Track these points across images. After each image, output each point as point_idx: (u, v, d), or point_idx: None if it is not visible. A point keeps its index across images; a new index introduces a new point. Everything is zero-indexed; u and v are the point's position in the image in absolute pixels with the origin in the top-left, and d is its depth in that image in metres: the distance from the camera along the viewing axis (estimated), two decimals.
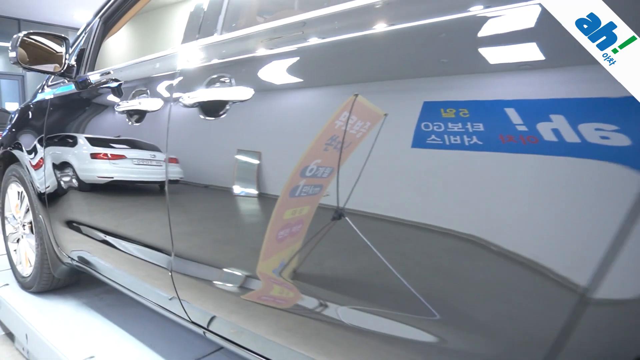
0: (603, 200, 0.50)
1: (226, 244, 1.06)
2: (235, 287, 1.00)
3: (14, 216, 2.16)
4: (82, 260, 1.70)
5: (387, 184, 0.69)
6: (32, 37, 1.63)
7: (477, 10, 0.61)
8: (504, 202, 0.58)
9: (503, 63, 0.59)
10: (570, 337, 0.53)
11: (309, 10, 0.90)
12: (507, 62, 0.59)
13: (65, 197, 1.66)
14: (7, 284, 2.14)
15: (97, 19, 1.71)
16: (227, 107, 0.97)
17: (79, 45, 1.75)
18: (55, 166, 1.69)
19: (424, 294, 0.67)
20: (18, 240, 2.16)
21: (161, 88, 1.20)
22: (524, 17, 0.57)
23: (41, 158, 1.77)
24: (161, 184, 1.16)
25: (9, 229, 2.22)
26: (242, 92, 0.95)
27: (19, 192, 2.08)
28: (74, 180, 1.59)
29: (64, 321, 1.77)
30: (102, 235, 1.49)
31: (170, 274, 1.18)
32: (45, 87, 1.96)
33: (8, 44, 1.62)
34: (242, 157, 0.96)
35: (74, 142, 1.60)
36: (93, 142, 1.52)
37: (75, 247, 1.70)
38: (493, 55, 0.60)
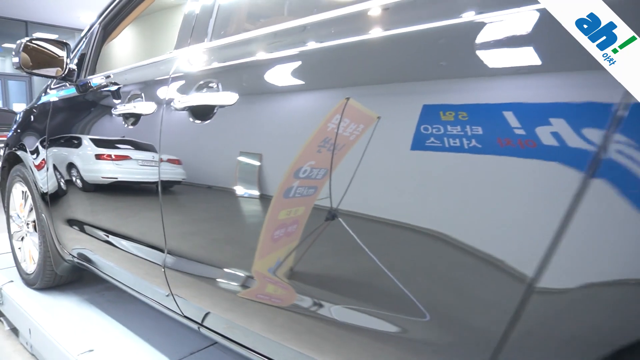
0: (549, 199, 0.54)
1: (218, 243, 1.11)
2: (227, 283, 1.04)
3: (18, 215, 2.23)
4: (82, 257, 1.76)
5: (380, 186, 0.71)
6: (34, 42, 1.69)
7: (471, 16, 0.63)
8: (477, 202, 0.61)
9: (490, 68, 0.61)
10: (518, 324, 0.58)
11: (296, 17, 0.95)
12: (495, 66, 0.60)
13: (67, 197, 1.72)
14: (12, 281, 2.20)
15: (97, 24, 1.77)
16: (215, 111, 1.02)
17: (80, 50, 1.81)
18: (56, 167, 1.76)
19: (408, 292, 0.69)
20: (22, 239, 2.22)
21: (155, 92, 1.25)
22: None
23: (43, 159, 1.83)
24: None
25: (13, 227, 2.29)
26: (229, 97, 1.00)
27: (23, 192, 2.14)
28: (75, 181, 1.65)
29: (65, 316, 1.84)
30: (100, 233, 1.55)
31: (163, 270, 1.23)
32: (48, 90, 2.02)
33: (20, 40, 1.68)
34: (231, 159, 1.00)
35: (75, 144, 1.65)
36: (94, 143, 1.57)
37: (75, 244, 1.77)
38: (479, 60, 0.62)
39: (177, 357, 1.51)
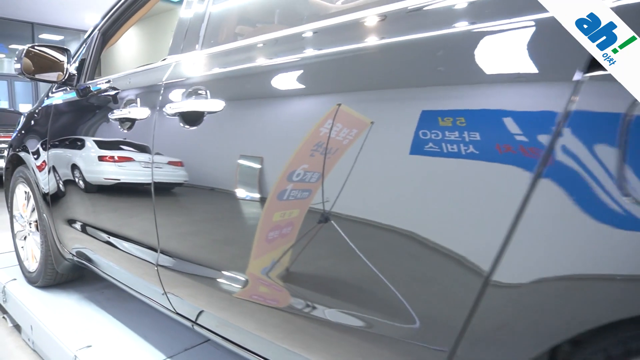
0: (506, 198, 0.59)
1: (209, 243, 1.15)
2: (219, 283, 1.09)
3: (21, 215, 2.29)
4: (81, 255, 1.82)
5: (373, 189, 0.74)
6: (36, 48, 1.75)
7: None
8: (431, 203, 0.66)
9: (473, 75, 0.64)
10: (475, 315, 0.62)
11: (287, 26, 0.99)
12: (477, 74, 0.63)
13: (66, 198, 1.78)
14: (15, 279, 2.26)
15: (96, 30, 1.83)
16: (204, 117, 1.07)
17: (80, 55, 1.87)
18: (57, 168, 1.81)
19: (393, 291, 0.72)
20: (25, 238, 2.28)
21: (149, 98, 1.31)
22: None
23: (44, 160, 1.89)
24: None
25: (17, 227, 2.35)
26: (218, 104, 1.04)
27: (25, 192, 2.20)
28: (74, 182, 1.70)
29: (66, 313, 1.89)
30: (98, 232, 1.61)
31: (156, 268, 1.28)
32: (50, 93, 2.08)
33: (23, 46, 1.75)
34: (223, 163, 1.05)
35: (75, 146, 1.71)
36: (95, 146, 1.62)
37: (74, 243, 1.82)
38: (461, 68, 0.65)
39: (171, 353, 1.56)
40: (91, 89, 1.71)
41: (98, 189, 1.61)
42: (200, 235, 1.18)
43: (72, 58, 1.84)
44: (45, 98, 2.11)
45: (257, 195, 0.94)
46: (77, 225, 1.74)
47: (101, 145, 1.58)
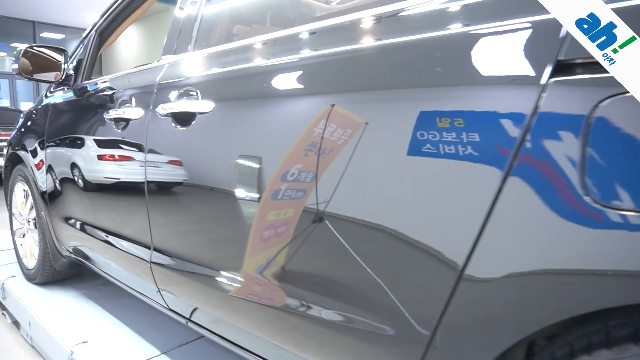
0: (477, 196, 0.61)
1: (203, 242, 1.17)
2: (211, 281, 1.11)
3: (20, 213, 2.32)
4: (77, 252, 1.85)
5: (366, 189, 0.75)
6: (34, 49, 1.78)
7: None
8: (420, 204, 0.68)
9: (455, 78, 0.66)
10: (449, 309, 0.65)
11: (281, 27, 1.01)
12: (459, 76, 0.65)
13: (63, 196, 1.81)
14: (14, 276, 2.29)
15: (93, 31, 1.85)
16: (196, 117, 1.09)
17: (77, 56, 1.89)
18: (54, 167, 1.84)
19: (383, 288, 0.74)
20: (24, 235, 2.32)
21: (143, 98, 1.33)
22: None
23: (41, 159, 1.92)
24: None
25: (15, 224, 2.38)
26: (209, 105, 1.07)
27: (24, 191, 2.23)
28: (71, 180, 1.73)
29: (63, 310, 1.92)
30: (93, 230, 1.64)
31: (149, 265, 1.31)
32: (48, 93, 2.11)
33: (24, 45, 1.78)
34: (217, 163, 1.07)
35: (72, 145, 1.73)
36: (92, 145, 1.65)
37: (71, 241, 1.85)
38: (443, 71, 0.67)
39: (166, 349, 1.58)
40: (88, 88, 1.74)
41: (93, 188, 1.63)
42: (193, 234, 1.20)
43: (70, 58, 1.87)
44: (44, 97, 2.13)
45: (249, 195, 0.96)
46: (73, 223, 1.77)
47: (97, 144, 1.61)
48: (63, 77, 1.79)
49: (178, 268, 1.21)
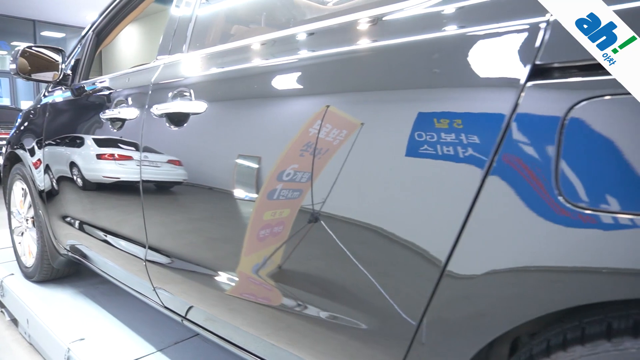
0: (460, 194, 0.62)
1: (197, 239, 1.18)
2: (206, 278, 1.12)
3: (18, 211, 2.34)
4: (74, 251, 1.87)
5: (354, 189, 0.76)
6: (32, 49, 1.79)
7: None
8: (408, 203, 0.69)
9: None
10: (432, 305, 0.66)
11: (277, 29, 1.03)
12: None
13: (60, 195, 1.82)
14: (13, 274, 2.31)
15: (90, 31, 1.87)
16: (190, 118, 1.11)
17: (75, 56, 1.91)
18: (51, 166, 1.86)
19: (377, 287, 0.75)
20: (22, 234, 2.33)
21: (138, 98, 1.35)
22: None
23: (39, 159, 1.94)
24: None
25: (14, 223, 2.40)
26: (202, 106, 1.08)
27: (23, 189, 2.25)
28: (68, 179, 1.75)
29: (61, 308, 1.94)
30: (89, 228, 1.65)
31: (144, 263, 1.32)
32: (46, 92, 2.12)
33: (24, 44, 1.79)
34: (209, 162, 1.09)
35: (70, 144, 1.75)
36: (91, 144, 1.66)
37: (68, 239, 1.87)
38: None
39: (162, 346, 1.60)
40: (85, 88, 1.76)
41: (89, 187, 1.65)
42: (188, 232, 1.21)
43: (67, 58, 1.88)
44: (42, 97, 2.15)
45: (243, 195, 0.97)
46: (70, 221, 1.79)
47: (94, 144, 1.62)
48: (61, 77, 1.81)
49: (172, 266, 1.23)
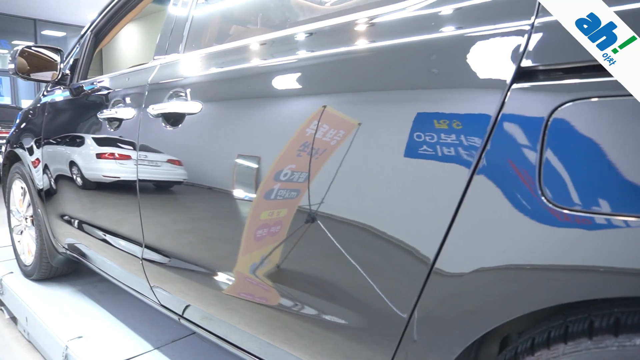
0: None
1: (193, 238, 1.19)
2: (202, 276, 1.13)
3: (18, 210, 2.35)
4: (72, 249, 1.88)
5: (354, 189, 0.76)
6: (31, 49, 1.80)
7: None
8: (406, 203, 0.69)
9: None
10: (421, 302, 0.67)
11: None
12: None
13: (59, 193, 1.83)
14: (12, 272, 2.33)
15: (88, 32, 1.88)
16: (185, 118, 1.12)
17: (73, 56, 1.92)
18: (50, 165, 1.87)
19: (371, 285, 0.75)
20: (21, 232, 2.34)
21: (135, 98, 1.36)
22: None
23: (38, 158, 1.95)
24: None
25: (13, 221, 2.41)
26: (198, 106, 1.09)
27: (22, 188, 2.26)
28: (66, 178, 1.76)
29: (59, 306, 1.96)
30: (87, 226, 1.66)
31: (141, 262, 1.34)
32: (45, 92, 2.14)
33: (25, 43, 1.80)
34: (205, 161, 1.10)
35: (69, 143, 1.76)
36: (90, 144, 1.67)
37: (66, 238, 1.88)
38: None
39: (159, 344, 1.61)
40: (84, 88, 1.77)
41: (87, 186, 1.66)
42: (184, 231, 1.22)
43: (66, 58, 1.89)
44: (41, 97, 2.16)
45: (240, 194, 0.98)
46: (68, 220, 1.80)
47: (92, 143, 1.63)
48: (59, 77, 1.82)
49: (169, 265, 1.24)
